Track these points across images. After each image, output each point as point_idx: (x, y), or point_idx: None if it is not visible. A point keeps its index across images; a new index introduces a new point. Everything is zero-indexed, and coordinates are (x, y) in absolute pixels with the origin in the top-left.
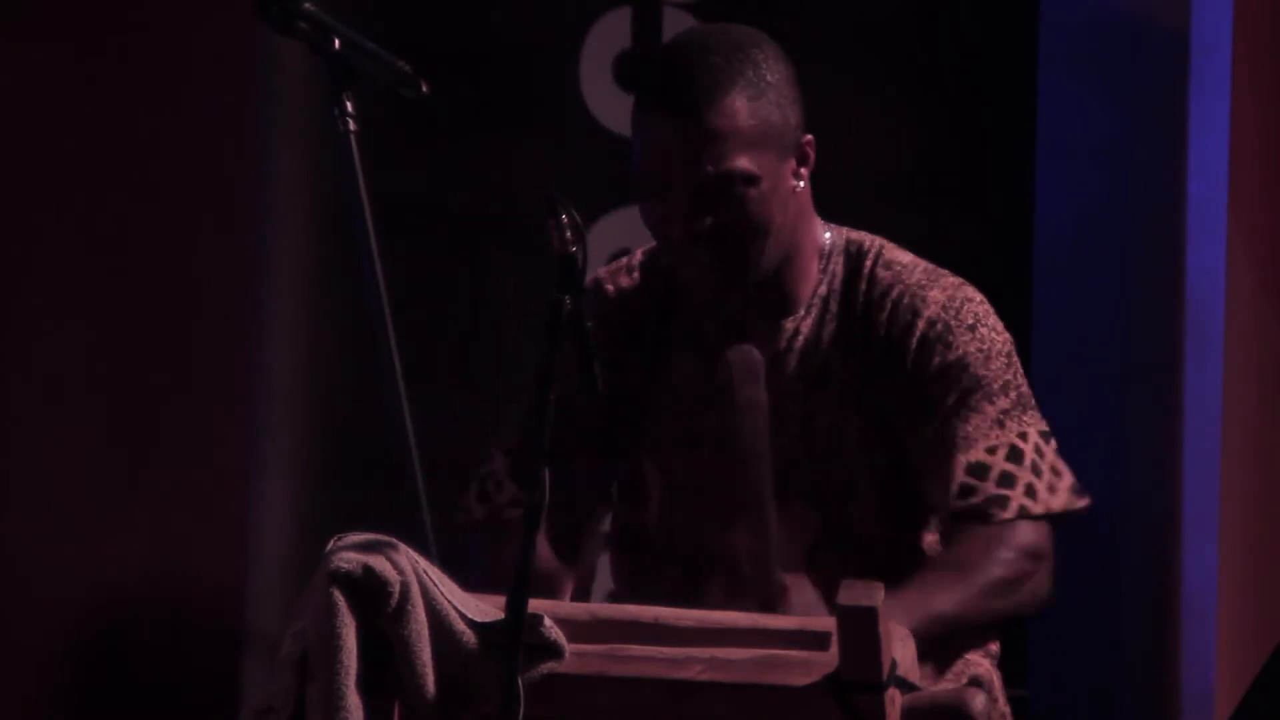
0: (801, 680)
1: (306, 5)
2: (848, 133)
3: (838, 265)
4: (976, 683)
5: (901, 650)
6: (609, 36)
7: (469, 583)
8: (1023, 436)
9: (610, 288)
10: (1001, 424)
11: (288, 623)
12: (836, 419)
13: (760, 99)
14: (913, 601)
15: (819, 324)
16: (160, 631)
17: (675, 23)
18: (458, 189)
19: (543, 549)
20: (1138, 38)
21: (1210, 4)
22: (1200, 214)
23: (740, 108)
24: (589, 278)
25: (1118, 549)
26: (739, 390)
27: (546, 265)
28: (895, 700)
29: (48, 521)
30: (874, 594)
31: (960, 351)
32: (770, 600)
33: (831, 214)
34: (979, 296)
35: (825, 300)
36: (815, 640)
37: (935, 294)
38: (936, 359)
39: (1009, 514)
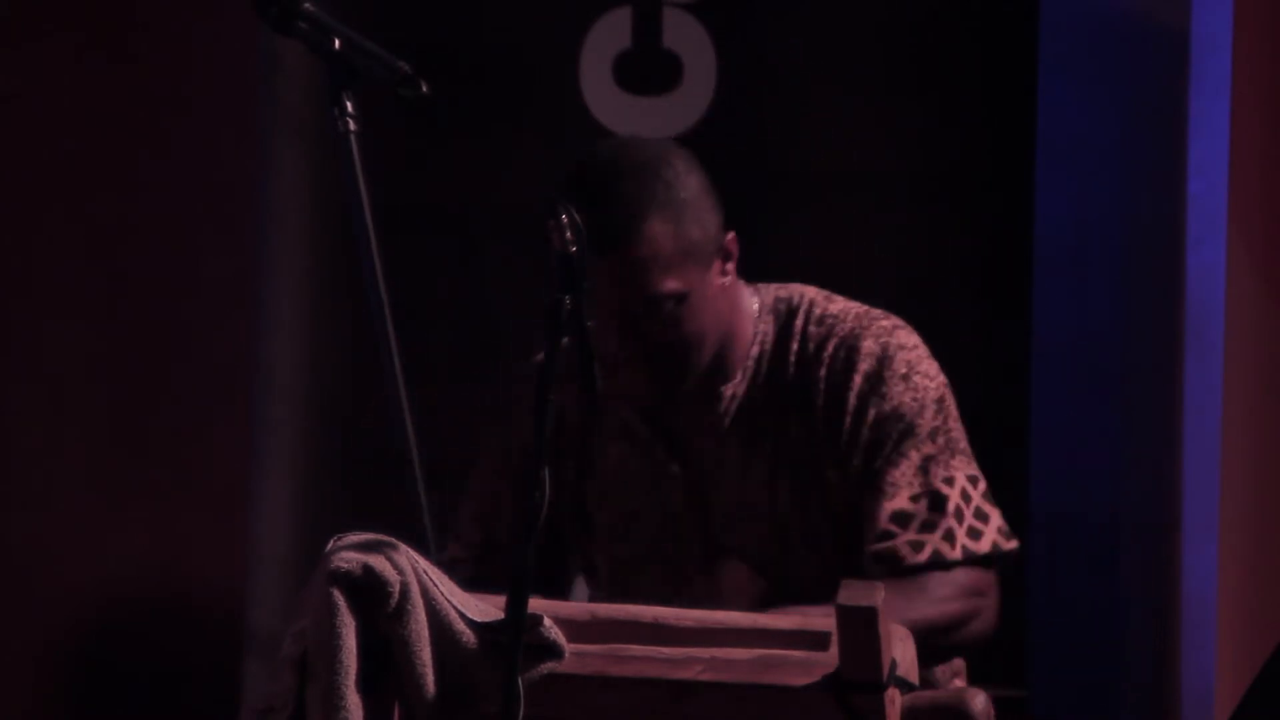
0: (801, 680)
1: (306, 5)
2: (848, 133)
3: (767, 325)
4: None
5: (901, 650)
6: (609, 36)
7: None
8: (948, 482)
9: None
10: (925, 470)
11: (288, 623)
12: (770, 479)
13: (678, 220)
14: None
15: (752, 386)
16: (160, 631)
17: (675, 22)
18: (458, 189)
19: None
20: (1138, 38)
21: (1210, 4)
22: (1200, 214)
23: (659, 233)
24: (526, 366)
25: (1118, 549)
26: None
27: (547, 265)
28: (895, 700)
29: (48, 521)
30: (874, 594)
31: (895, 402)
32: None
33: (832, 214)
34: (912, 341)
35: (757, 362)
36: (815, 640)
37: (869, 344)
38: (872, 411)
39: (921, 558)
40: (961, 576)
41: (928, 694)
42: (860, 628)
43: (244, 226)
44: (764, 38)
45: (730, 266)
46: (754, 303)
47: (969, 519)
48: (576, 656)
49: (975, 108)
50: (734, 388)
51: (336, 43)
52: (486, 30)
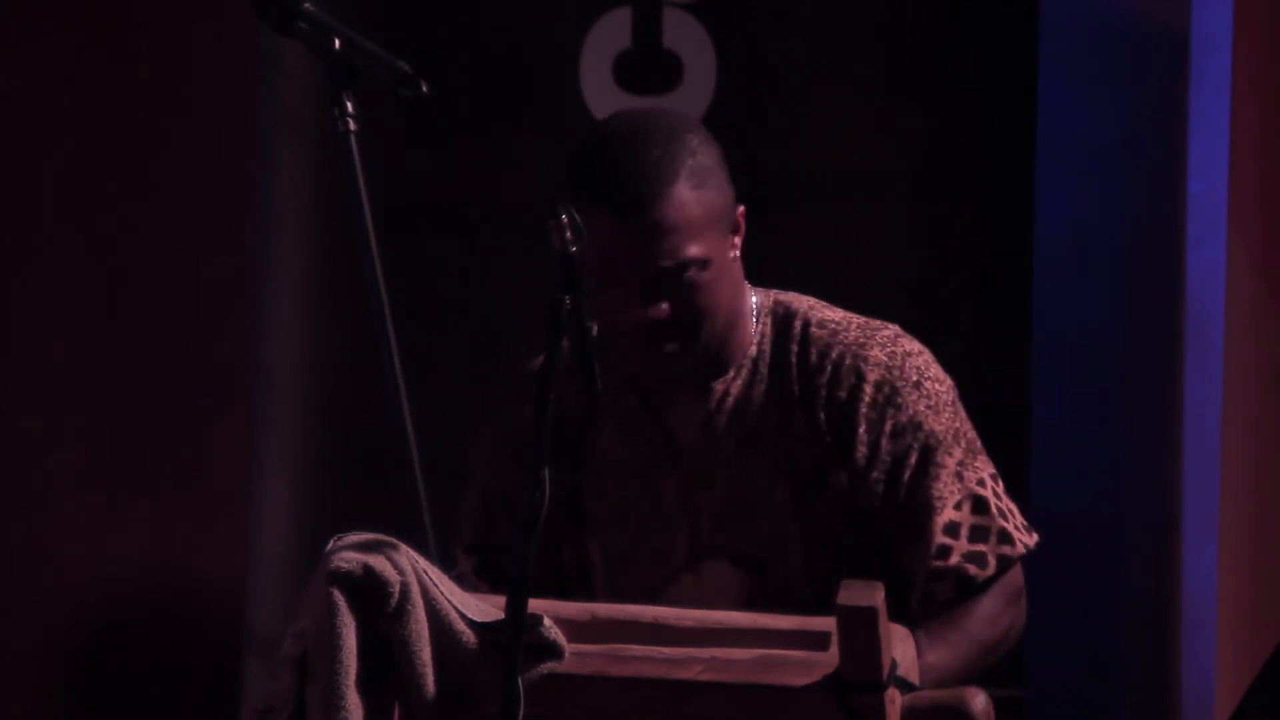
0: (801, 680)
1: (306, 5)
2: (848, 132)
3: (765, 326)
4: None
5: (901, 650)
6: (609, 36)
7: None
8: (980, 484)
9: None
10: (960, 476)
11: (288, 623)
12: (766, 480)
13: (703, 185)
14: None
15: (748, 385)
16: (160, 631)
17: (675, 22)
18: (458, 189)
19: None
20: (1138, 38)
21: (1210, 4)
22: (1200, 214)
23: (687, 198)
24: (528, 364)
25: (1118, 549)
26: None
27: (547, 265)
28: (895, 700)
29: (48, 521)
30: (874, 594)
31: (911, 411)
32: None
33: (832, 214)
34: (916, 347)
35: (754, 361)
36: (815, 640)
37: (876, 353)
38: (889, 422)
39: (989, 571)
40: (1006, 584)
41: (928, 694)
42: (860, 628)
43: (244, 226)
44: (764, 38)
45: (738, 240)
46: (752, 301)
47: (1012, 515)
48: (576, 656)
49: (975, 108)
50: (726, 384)
51: (336, 43)
52: (486, 30)
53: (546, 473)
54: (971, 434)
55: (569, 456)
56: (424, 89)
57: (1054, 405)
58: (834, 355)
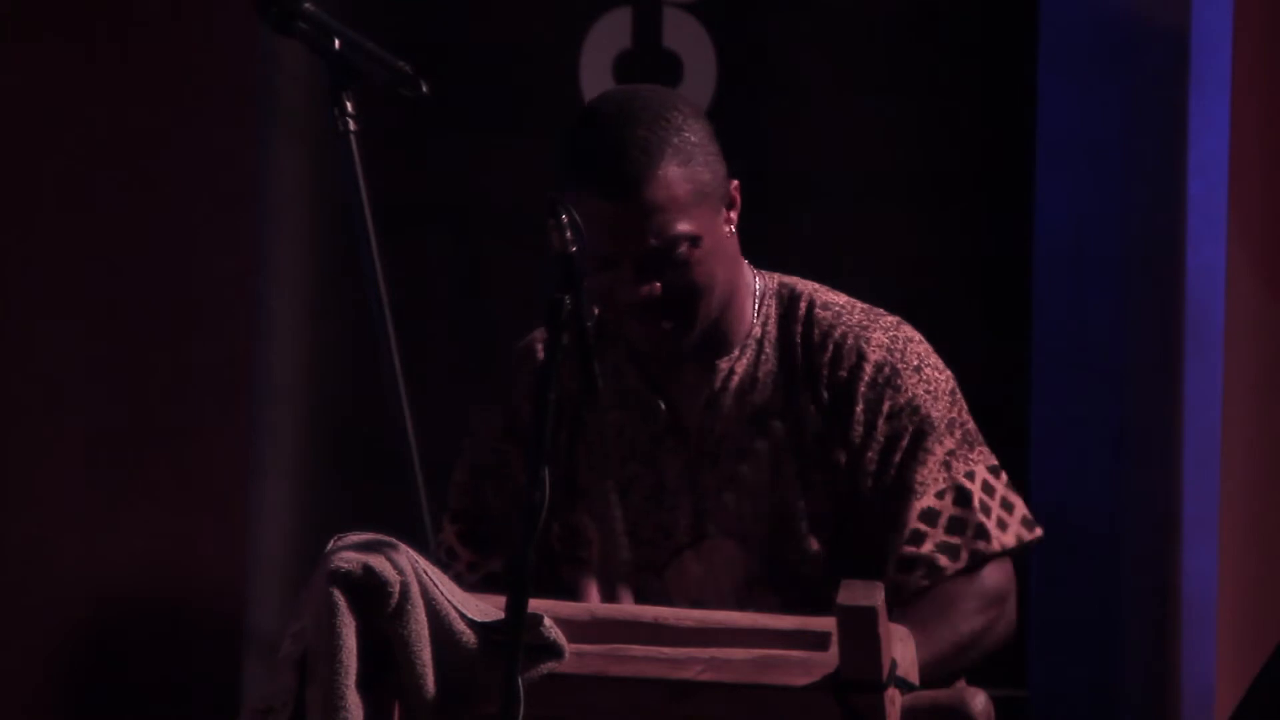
0: (801, 680)
1: (306, 5)
2: (848, 133)
3: (770, 307)
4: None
5: (901, 650)
6: (609, 36)
7: None
8: (969, 476)
9: (540, 350)
10: (948, 466)
11: (288, 623)
12: (771, 458)
13: (690, 163)
14: None
15: (753, 364)
16: (160, 631)
17: (675, 22)
18: (458, 189)
19: None
20: (1138, 38)
21: (1210, 4)
22: (1200, 214)
23: (674, 176)
24: (523, 342)
25: (1118, 549)
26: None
27: (547, 265)
28: (895, 700)
29: (48, 521)
30: (874, 594)
31: (909, 394)
32: None
33: (832, 214)
34: (918, 336)
35: (759, 342)
36: (815, 640)
37: (878, 335)
38: (887, 403)
39: (960, 564)
40: (987, 582)
41: (928, 694)
42: (860, 628)
43: (244, 226)
44: (764, 38)
45: (734, 215)
46: (757, 283)
47: (996, 511)
48: (576, 656)
49: (975, 108)
50: (731, 363)
51: (336, 43)
52: (486, 30)
53: (546, 472)
54: (970, 425)
55: (565, 431)
56: (424, 89)
57: (1054, 405)
58: (836, 335)
